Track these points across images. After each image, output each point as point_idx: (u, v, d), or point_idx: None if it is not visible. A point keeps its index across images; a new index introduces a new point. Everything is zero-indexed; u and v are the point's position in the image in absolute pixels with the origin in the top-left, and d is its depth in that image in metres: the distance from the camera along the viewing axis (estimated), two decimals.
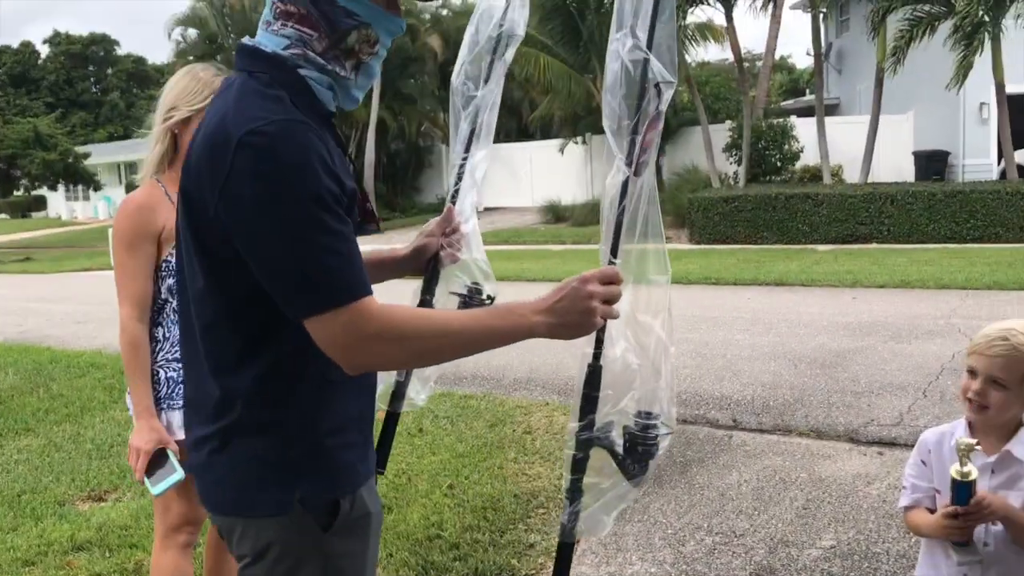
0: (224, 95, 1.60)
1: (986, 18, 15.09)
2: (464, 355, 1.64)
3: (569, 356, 6.51)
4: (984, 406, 2.15)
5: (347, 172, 1.60)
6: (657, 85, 1.76)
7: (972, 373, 2.18)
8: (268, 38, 1.62)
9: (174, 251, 2.61)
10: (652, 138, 1.80)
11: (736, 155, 21.17)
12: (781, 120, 22.00)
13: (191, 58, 28.26)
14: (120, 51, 73.45)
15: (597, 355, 1.79)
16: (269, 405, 1.60)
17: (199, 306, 1.62)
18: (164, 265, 2.63)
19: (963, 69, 15.43)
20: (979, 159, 20.47)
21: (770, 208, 16.64)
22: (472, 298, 2.24)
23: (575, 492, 1.83)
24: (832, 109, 25.78)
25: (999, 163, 18.67)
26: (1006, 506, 2.12)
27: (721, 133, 21.86)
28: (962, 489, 2.09)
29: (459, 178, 2.38)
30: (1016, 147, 16.55)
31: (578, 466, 1.82)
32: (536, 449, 5.27)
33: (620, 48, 1.77)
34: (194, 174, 1.55)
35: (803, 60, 39.45)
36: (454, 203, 2.32)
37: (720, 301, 10.66)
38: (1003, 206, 14.72)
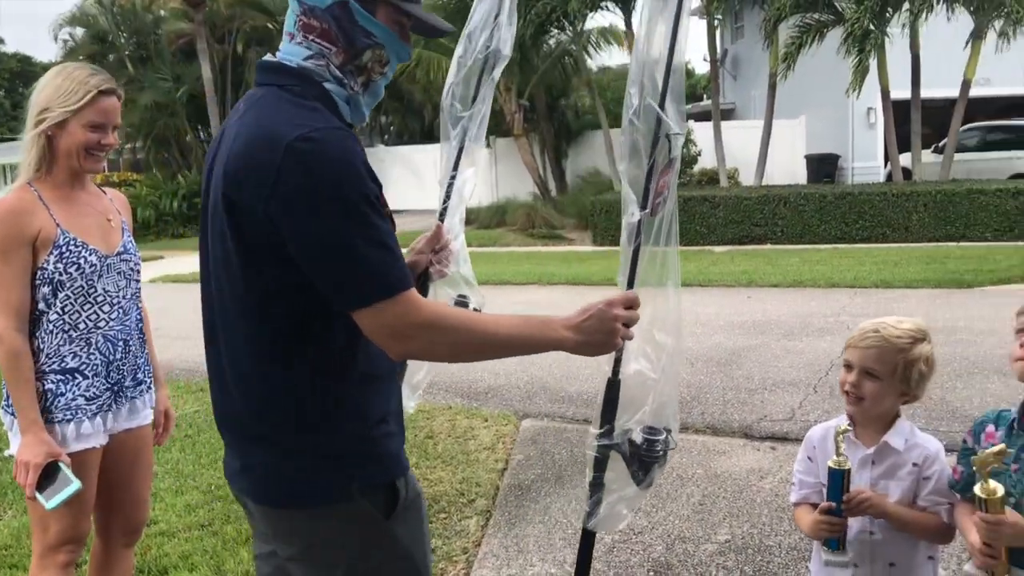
0: (257, 106, 1.70)
1: (871, 27, 15.72)
2: (499, 356, 1.79)
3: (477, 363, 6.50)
4: (860, 397, 2.23)
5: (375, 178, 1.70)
6: (668, 136, 1.96)
7: (848, 366, 2.27)
8: (291, 49, 1.75)
9: (49, 258, 2.51)
10: (667, 182, 1.99)
11: None
12: None
13: (81, 57, 27.27)
14: (5, 48, 70.35)
15: (616, 369, 1.99)
16: (322, 401, 1.69)
17: (243, 310, 1.69)
18: (39, 273, 2.52)
19: (860, 74, 16.01)
20: (867, 162, 21.32)
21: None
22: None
23: (596, 487, 2.03)
24: (728, 114, 26.46)
25: (886, 166, 19.45)
26: (883, 504, 2.20)
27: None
28: (836, 476, 2.17)
29: (447, 196, 2.47)
30: (901, 150, 17.26)
31: (598, 465, 2.02)
32: (438, 454, 5.25)
33: (631, 106, 1.96)
34: (237, 181, 1.62)
35: (701, 66, 40.40)
36: (442, 221, 2.45)
37: None
38: (889, 207, 15.34)
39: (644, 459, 2.00)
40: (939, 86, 17.48)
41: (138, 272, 2.83)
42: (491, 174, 25.84)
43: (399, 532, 1.77)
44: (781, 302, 10.04)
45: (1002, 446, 1.92)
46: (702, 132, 21.42)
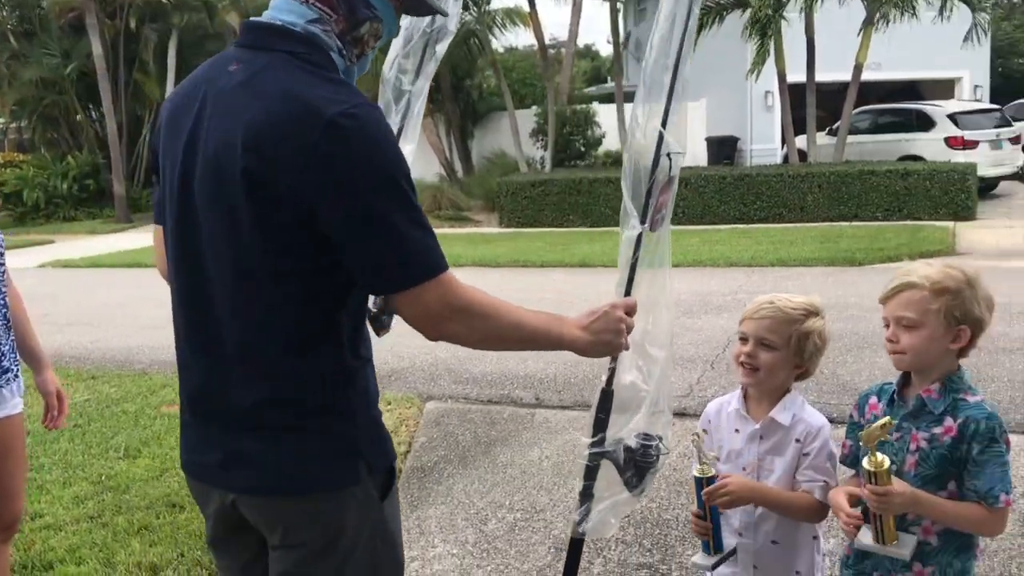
0: (270, 74, 1.61)
1: (770, 11, 16.07)
2: (520, 348, 1.85)
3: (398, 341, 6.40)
4: (755, 368, 2.27)
5: None
6: (669, 155, 2.04)
7: (744, 339, 2.31)
8: (294, 8, 1.66)
9: None
10: (666, 200, 2.07)
11: (542, 140, 21.61)
12: (584, 106, 22.62)
13: None
14: None
15: (610, 380, 2.04)
16: (339, 384, 1.67)
17: (258, 293, 1.62)
18: None
19: (761, 58, 16.35)
20: (765, 144, 21.87)
21: (575, 192, 17.10)
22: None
23: (586, 495, 2.05)
24: (631, 96, 26.63)
25: (783, 148, 19.97)
26: (745, 492, 2.21)
27: (528, 118, 22.24)
28: (698, 483, 2.21)
29: None
30: (796, 133, 17.73)
31: (590, 473, 2.05)
32: None
33: (639, 122, 2.06)
34: (265, 156, 1.54)
35: (605, 48, 40.73)
36: None
37: (527, 283, 10.87)
38: (785, 188, 15.76)
39: (640, 464, 2.03)
40: (833, 70, 18.01)
41: (1, 255, 2.69)
42: None
43: (388, 515, 1.78)
44: (681, 281, 10.22)
45: (886, 419, 1.97)
46: (607, 114, 21.62)
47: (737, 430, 2.34)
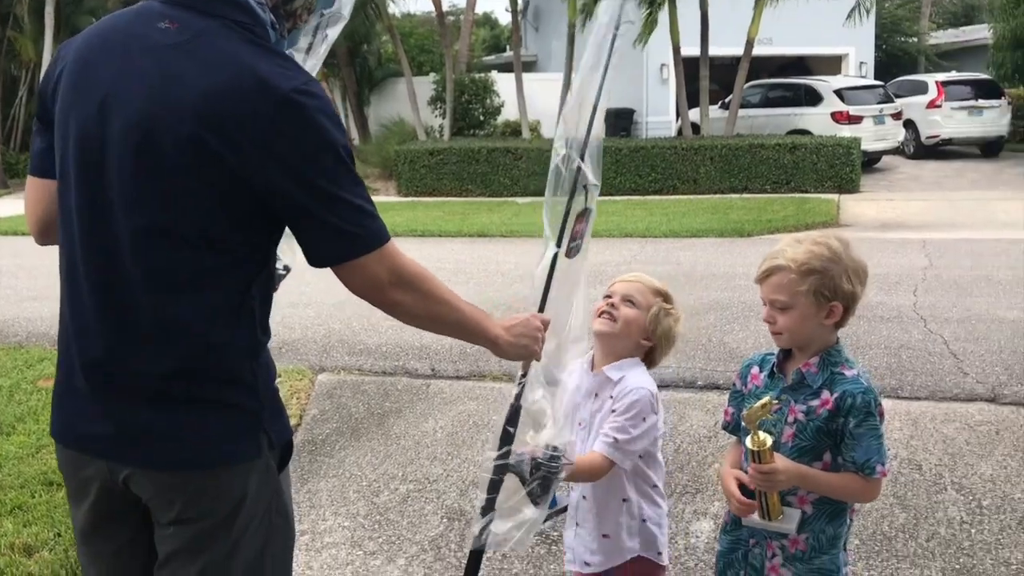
0: (213, 41, 1.59)
1: None
2: (449, 332, 1.87)
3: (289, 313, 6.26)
4: (614, 319, 2.34)
5: None
6: (585, 186, 2.16)
7: (608, 296, 2.39)
8: None
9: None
10: (582, 229, 2.17)
11: (441, 108, 21.42)
12: (483, 75, 22.51)
13: None
14: None
15: (518, 396, 2.10)
16: (248, 358, 1.67)
17: (177, 258, 1.59)
18: None
19: (648, 28, 16.53)
20: (660, 116, 22.19)
21: (474, 161, 17.05)
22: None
23: (487, 509, 2.09)
24: (530, 66, 26.76)
25: (677, 120, 20.32)
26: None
27: (426, 86, 22.00)
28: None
29: None
30: (690, 106, 18.05)
31: (493, 487, 2.08)
32: None
33: (559, 154, 2.17)
34: (212, 123, 1.54)
35: (505, 16, 40.57)
36: None
37: (425, 253, 10.79)
38: (679, 160, 16.07)
39: (546, 476, 2.07)
40: (726, 45, 18.35)
41: None
42: None
43: (282, 485, 1.78)
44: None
45: (767, 399, 2.03)
46: (505, 83, 21.56)
47: (578, 386, 2.41)
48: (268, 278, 1.74)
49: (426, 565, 3.47)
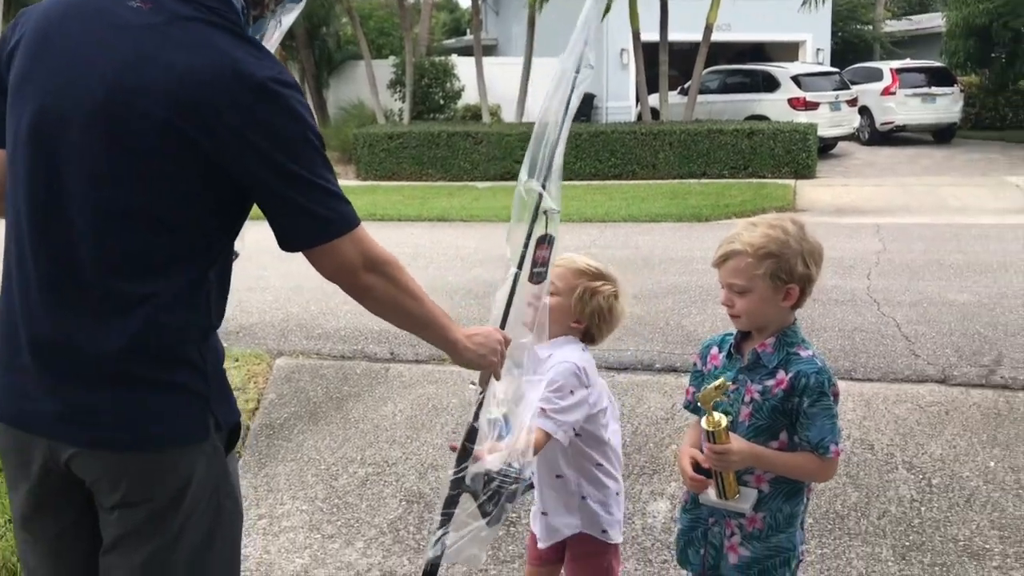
0: (187, 23, 1.58)
1: None
2: (413, 327, 1.89)
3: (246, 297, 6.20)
4: (536, 309, 2.35)
5: None
6: (546, 212, 2.19)
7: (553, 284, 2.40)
8: None
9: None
10: (544, 256, 2.20)
11: (400, 92, 21.25)
12: (443, 58, 22.38)
13: None
14: None
15: (476, 416, 2.14)
16: (198, 340, 1.67)
17: (138, 238, 1.58)
18: None
19: (606, 11, 16.51)
20: (620, 102, 22.24)
21: (433, 145, 16.96)
22: None
23: (444, 521, 2.13)
24: (490, 50, 26.66)
25: (637, 105, 20.38)
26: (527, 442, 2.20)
27: (385, 69, 21.83)
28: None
29: None
30: (650, 92, 18.10)
31: (450, 502, 2.13)
32: None
33: (522, 182, 2.22)
34: (188, 108, 1.54)
35: (465, 0, 40.35)
36: None
37: (384, 237, 10.52)
38: (638, 145, 16.11)
39: (497, 493, 2.11)
40: (685, 30, 18.43)
41: None
42: None
43: (230, 467, 1.78)
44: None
45: (721, 380, 2.05)
46: (465, 67, 21.45)
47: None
48: (227, 263, 1.75)
49: (384, 548, 3.47)
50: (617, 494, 2.46)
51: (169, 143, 1.55)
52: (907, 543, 3.38)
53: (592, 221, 11.35)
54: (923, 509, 3.61)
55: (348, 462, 4.22)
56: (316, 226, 1.65)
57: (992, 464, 3.96)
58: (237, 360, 5.49)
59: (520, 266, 2.19)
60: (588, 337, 2.43)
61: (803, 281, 2.10)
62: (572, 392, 2.28)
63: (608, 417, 2.42)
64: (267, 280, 7.52)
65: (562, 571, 2.55)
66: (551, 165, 2.24)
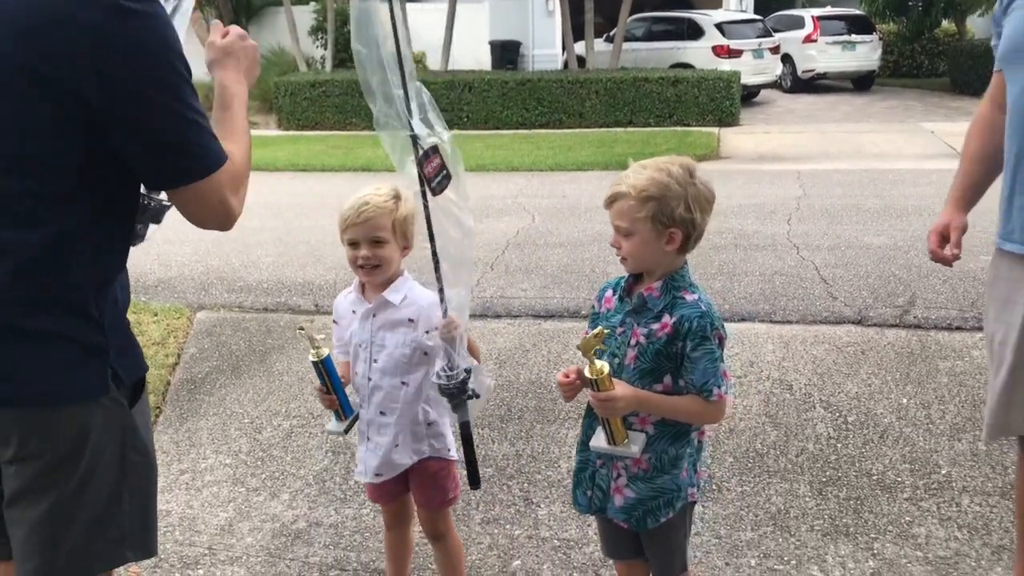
0: None
1: None
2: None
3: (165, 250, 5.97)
4: (376, 265, 2.41)
5: None
6: (415, 138, 2.13)
7: (355, 243, 2.42)
8: None
9: None
10: (435, 166, 2.17)
11: (322, 38, 20.75)
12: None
13: None
14: None
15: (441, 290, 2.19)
16: (93, 291, 1.59)
17: (18, 183, 1.50)
18: None
19: None
20: (546, 49, 22.05)
21: (357, 94, 16.57)
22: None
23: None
24: None
25: (563, 53, 20.26)
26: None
27: (306, 15, 21.27)
28: (315, 367, 2.48)
29: None
30: (576, 39, 18.01)
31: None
32: None
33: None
34: (39, 41, 1.44)
35: None
36: None
37: (307, 188, 10.57)
38: (565, 94, 16.05)
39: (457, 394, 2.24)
40: None
41: None
42: None
43: (138, 421, 1.72)
44: (467, 186, 10.25)
45: (599, 329, 2.05)
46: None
47: (354, 311, 2.49)
48: (124, 210, 1.66)
49: (310, 499, 3.45)
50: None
51: (20, 80, 1.46)
52: (824, 479, 3.48)
53: (519, 170, 11.31)
54: (839, 446, 3.72)
55: (272, 415, 4.17)
56: (185, 164, 1.57)
57: (905, 401, 4.09)
58: (156, 314, 5.36)
59: (423, 187, 2.16)
60: (410, 247, 2.50)
61: (686, 226, 2.06)
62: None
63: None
64: (186, 233, 7.27)
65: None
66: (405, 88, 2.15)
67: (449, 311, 2.26)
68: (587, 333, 2.08)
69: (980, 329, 3.96)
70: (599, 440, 2.14)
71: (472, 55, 21.63)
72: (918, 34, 22.48)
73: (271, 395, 4.38)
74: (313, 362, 2.44)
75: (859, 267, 6.22)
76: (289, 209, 8.99)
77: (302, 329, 2.46)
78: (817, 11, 21.49)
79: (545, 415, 4.06)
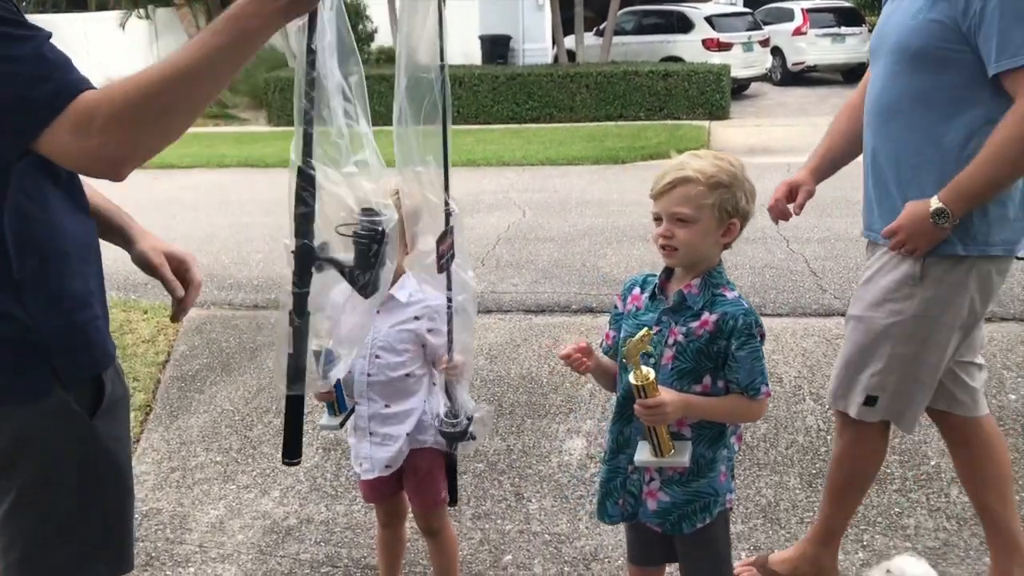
0: None
1: None
2: (208, 90, 1.48)
3: None
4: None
5: None
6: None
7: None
8: None
9: None
10: (444, 249, 2.16)
11: None
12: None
13: None
14: None
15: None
16: (19, 281, 1.46)
17: None
18: None
19: None
20: (536, 43, 22.04)
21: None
22: None
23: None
24: None
25: (553, 47, 20.24)
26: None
27: None
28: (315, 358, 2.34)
29: None
30: (566, 33, 18.00)
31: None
32: None
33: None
34: None
35: None
36: None
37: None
38: (555, 88, 16.04)
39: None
40: None
41: None
42: (152, 49, 23.76)
43: (102, 431, 1.60)
44: (457, 181, 10.14)
45: (645, 330, 1.95)
46: (378, 8, 20.96)
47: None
48: (26, 184, 1.46)
49: (301, 496, 3.45)
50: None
51: None
52: (813, 471, 3.49)
53: (510, 165, 11.30)
54: (829, 438, 3.72)
55: (263, 412, 4.17)
56: (17, 124, 1.35)
57: None
58: (146, 312, 5.35)
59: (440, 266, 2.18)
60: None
61: (744, 217, 2.05)
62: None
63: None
64: (176, 230, 7.30)
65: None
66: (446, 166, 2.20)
67: (455, 354, 2.26)
68: (604, 336, 2.06)
69: None
70: (644, 454, 2.04)
71: (462, 50, 21.57)
72: None
73: (261, 392, 4.37)
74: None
75: (848, 259, 6.23)
76: (279, 206, 8.85)
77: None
78: (806, 3, 21.48)
79: (536, 410, 4.06)
